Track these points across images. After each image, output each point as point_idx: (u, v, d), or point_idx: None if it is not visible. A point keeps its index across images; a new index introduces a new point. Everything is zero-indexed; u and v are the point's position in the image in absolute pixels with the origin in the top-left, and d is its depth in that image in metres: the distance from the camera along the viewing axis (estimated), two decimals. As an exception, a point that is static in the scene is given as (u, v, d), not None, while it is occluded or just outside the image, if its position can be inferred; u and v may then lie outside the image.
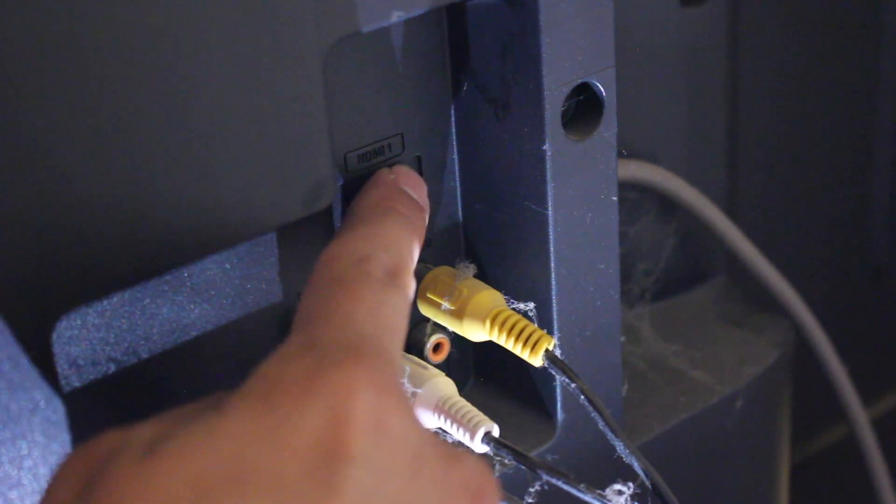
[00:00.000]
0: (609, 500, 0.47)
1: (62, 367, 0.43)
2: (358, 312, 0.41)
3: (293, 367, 0.37)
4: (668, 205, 0.65)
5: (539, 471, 0.47)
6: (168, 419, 0.38)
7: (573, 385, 0.49)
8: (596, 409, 0.49)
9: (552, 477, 0.47)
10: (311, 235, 0.48)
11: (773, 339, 0.66)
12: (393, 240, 0.45)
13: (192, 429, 0.36)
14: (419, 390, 0.49)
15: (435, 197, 0.53)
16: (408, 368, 0.49)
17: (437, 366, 0.52)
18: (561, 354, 0.53)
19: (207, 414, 0.37)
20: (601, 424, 0.49)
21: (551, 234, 0.51)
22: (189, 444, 0.36)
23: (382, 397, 0.37)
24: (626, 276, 0.64)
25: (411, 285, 0.44)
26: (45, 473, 0.43)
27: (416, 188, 0.50)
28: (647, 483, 0.48)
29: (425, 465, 0.37)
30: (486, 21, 0.50)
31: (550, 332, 0.53)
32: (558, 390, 0.55)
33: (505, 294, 0.51)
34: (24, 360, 0.41)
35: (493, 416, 0.49)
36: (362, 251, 0.43)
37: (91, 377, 0.44)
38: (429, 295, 0.51)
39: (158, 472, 0.35)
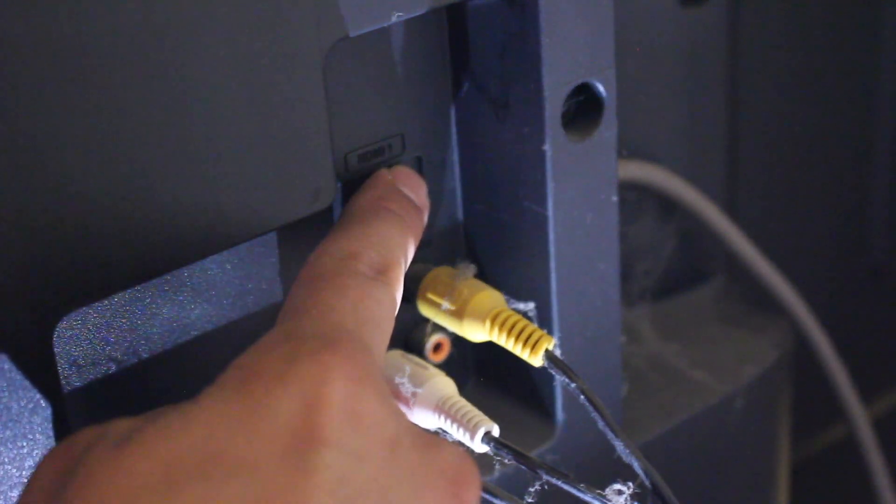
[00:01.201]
0: (609, 500, 0.47)
1: (62, 367, 0.43)
2: (339, 305, 0.41)
3: (269, 356, 0.38)
4: (668, 205, 0.65)
5: (539, 471, 0.47)
6: (147, 415, 0.38)
7: (573, 385, 0.49)
8: (596, 409, 0.49)
9: (552, 477, 0.47)
10: (311, 235, 0.48)
11: (773, 339, 0.66)
12: (383, 238, 0.45)
13: (167, 417, 0.37)
14: (419, 390, 0.49)
15: (435, 197, 0.53)
16: (408, 368, 0.49)
17: (437, 366, 0.52)
18: (561, 354, 0.53)
19: (183, 404, 0.37)
20: (601, 424, 0.49)
21: (551, 234, 0.51)
22: (162, 431, 0.36)
23: (357, 386, 0.37)
24: (626, 276, 0.64)
25: (399, 282, 0.45)
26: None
27: (415, 188, 0.50)
28: (647, 483, 0.48)
29: (402, 451, 0.38)
30: (486, 21, 0.50)
31: (550, 332, 0.53)
32: (558, 390, 0.55)
33: (505, 294, 0.51)
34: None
35: (493, 416, 0.49)
36: (351, 248, 0.44)
37: (91, 377, 0.44)
38: (429, 295, 0.51)
39: (131, 458, 0.35)
